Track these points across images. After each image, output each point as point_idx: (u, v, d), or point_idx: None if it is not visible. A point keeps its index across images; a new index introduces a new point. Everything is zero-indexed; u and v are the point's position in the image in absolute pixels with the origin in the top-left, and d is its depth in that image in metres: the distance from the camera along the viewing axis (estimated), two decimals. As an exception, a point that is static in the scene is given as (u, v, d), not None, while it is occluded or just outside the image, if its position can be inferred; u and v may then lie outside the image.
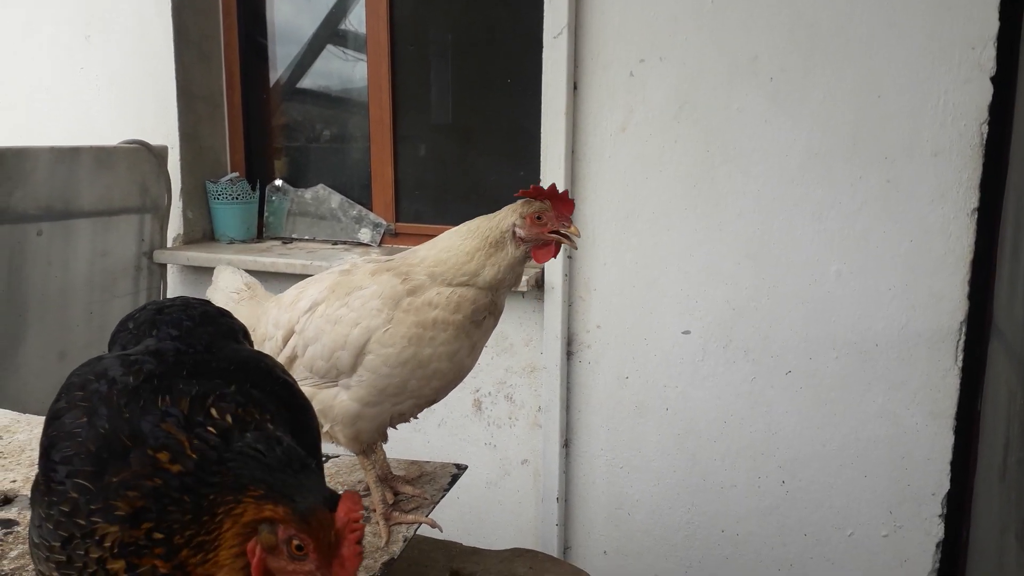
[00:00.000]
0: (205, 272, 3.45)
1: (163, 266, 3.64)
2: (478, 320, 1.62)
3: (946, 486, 2.69)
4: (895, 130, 2.59)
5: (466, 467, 1.93)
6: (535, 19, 2.93)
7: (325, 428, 1.70)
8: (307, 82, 3.89)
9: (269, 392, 1.17)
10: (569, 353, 3.02)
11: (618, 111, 2.86)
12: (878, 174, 2.62)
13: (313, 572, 0.91)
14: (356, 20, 3.65)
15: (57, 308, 3.23)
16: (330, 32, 3.78)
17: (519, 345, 3.08)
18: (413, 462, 1.96)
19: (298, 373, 1.73)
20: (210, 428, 1.01)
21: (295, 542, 0.90)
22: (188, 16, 3.61)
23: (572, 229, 1.61)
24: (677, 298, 2.87)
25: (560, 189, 1.65)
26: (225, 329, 1.27)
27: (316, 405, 1.69)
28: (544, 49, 2.86)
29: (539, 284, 2.97)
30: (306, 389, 1.70)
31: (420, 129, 3.58)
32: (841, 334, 2.73)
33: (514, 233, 1.60)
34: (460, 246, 1.62)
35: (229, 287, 2.01)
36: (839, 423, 2.77)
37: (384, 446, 1.88)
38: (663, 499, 3.00)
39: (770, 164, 2.73)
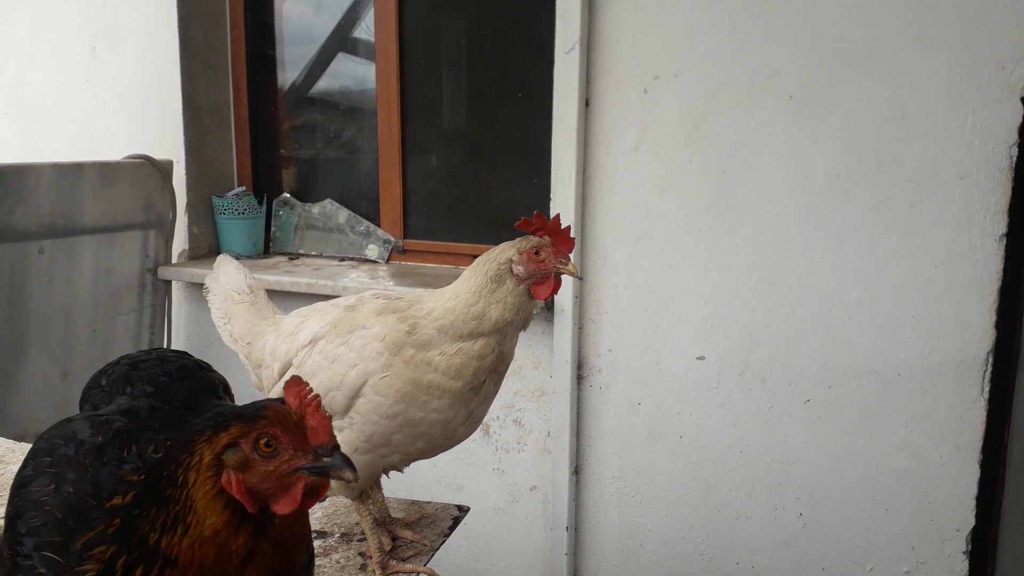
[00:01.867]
0: (210, 288, 3.39)
1: (168, 283, 3.58)
2: (477, 385, 1.53)
3: (971, 522, 2.58)
4: (920, 151, 2.48)
5: (468, 509, 1.85)
6: (547, 33, 2.84)
7: None
8: (316, 93, 3.82)
9: None
10: (579, 377, 2.94)
11: (631, 129, 2.77)
12: (902, 197, 2.52)
13: (292, 455, 0.90)
14: (367, 29, 3.58)
15: (60, 326, 3.18)
16: (340, 42, 3.71)
17: (528, 368, 3.00)
18: (413, 502, 1.88)
19: None
20: (156, 453, 1.01)
21: (262, 441, 0.89)
22: (194, 27, 3.56)
23: (570, 267, 1.54)
24: (691, 322, 2.77)
25: (563, 223, 1.57)
26: (204, 383, 1.20)
27: (309, 447, 1.62)
28: (555, 64, 2.78)
29: (549, 306, 2.89)
30: (299, 429, 1.63)
31: (430, 143, 3.50)
32: (862, 362, 2.62)
33: (511, 270, 1.52)
34: (465, 287, 1.54)
35: (231, 284, 1.94)
36: (859, 455, 2.66)
37: (384, 483, 1.80)
38: (676, 529, 2.90)
39: (789, 185, 2.63)
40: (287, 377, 1.66)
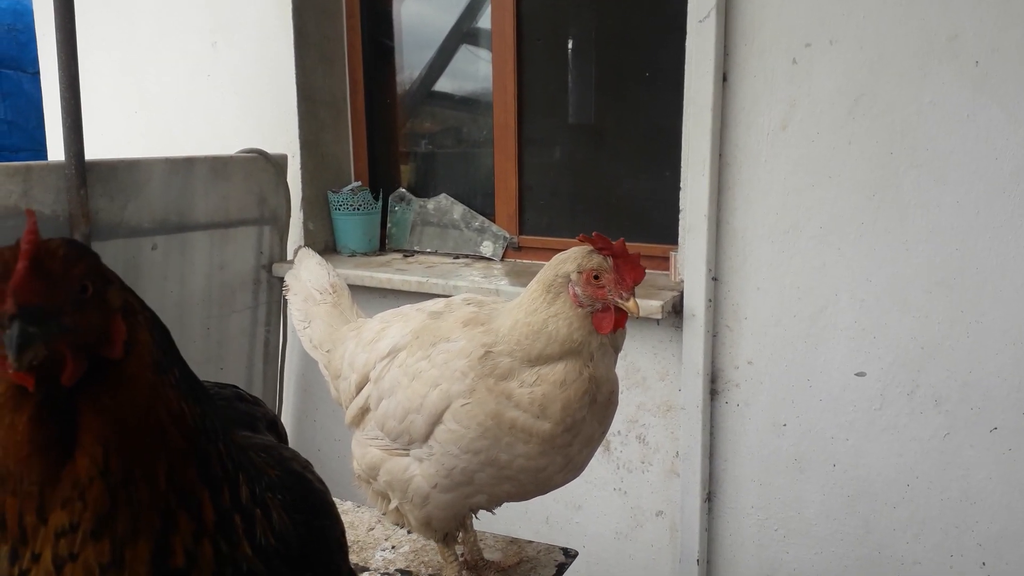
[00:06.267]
0: (323, 286, 3.26)
1: (283, 280, 3.49)
2: (573, 425, 1.24)
3: None
4: None
5: (576, 554, 1.57)
6: (678, 1, 2.51)
7: (393, 503, 1.39)
8: (435, 85, 3.64)
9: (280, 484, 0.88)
10: (713, 392, 2.59)
11: (777, 106, 2.39)
12: None
13: None
14: (488, 19, 3.35)
15: (174, 323, 3.09)
16: (461, 32, 3.51)
17: (653, 379, 2.68)
18: (512, 541, 1.62)
19: (368, 430, 1.43)
20: None
21: None
22: (309, 17, 3.44)
23: (631, 304, 1.23)
24: (850, 332, 2.37)
25: (623, 245, 1.27)
26: (241, 416, 0.99)
27: (383, 475, 1.38)
28: (688, 35, 2.44)
29: (677, 310, 2.55)
30: (374, 451, 1.40)
31: (548, 132, 3.23)
32: (1068, 384, 2.14)
33: (569, 288, 1.25)
34: (527, 297, 1.28)
35: (312, 282, 1.77)
36: (1063, 496, 2.18)
37: (475, 520, 1.55)
38: (827, 570, 2.50)
39: (973, 170, 2.18)
40: (359, 403, 1.44)
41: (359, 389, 1.46)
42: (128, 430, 0.67)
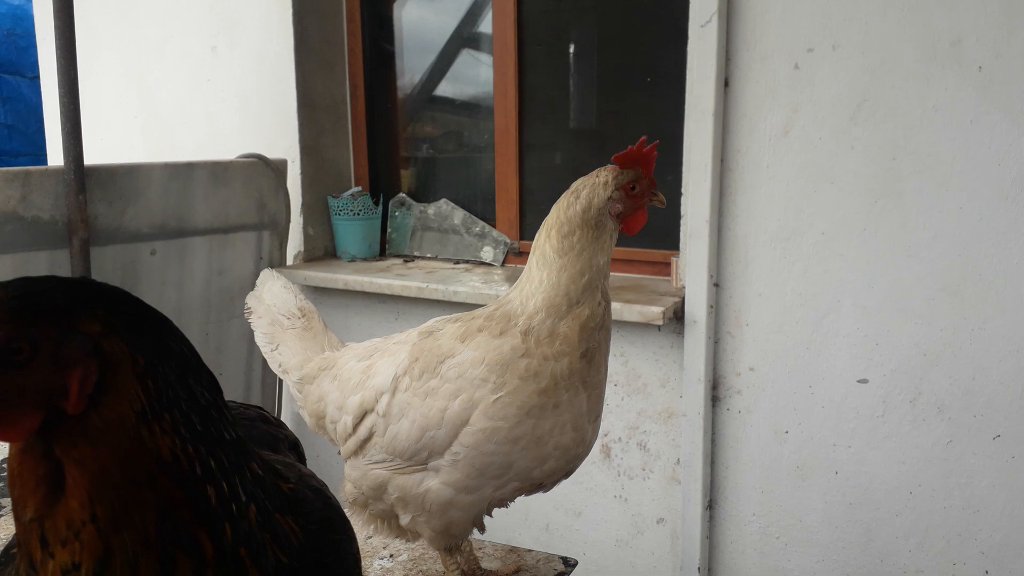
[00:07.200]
0: (326, 292, 3.26)
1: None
2: (589, 352, 1.31)
3: None
4: None
5: (575, 563, 1.55)
6: (680, 6, 2.50)
7: (403, 521, 1.37)
8: (435, 90, 3.63)
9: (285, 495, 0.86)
10: (715, 399, 2.57)
11: (779, 111, 2.38)
12: None
13: None
14: (489, 23, 3.34)
15: (172, 329, 3.11)
16: (462, 37, 3.50)
17: (654, 386, 2.66)
18: (512, 549, 1.60)
19: (371, 455, 1.41)
20: None
21: None
22: (310, 21, 3.44)
23: (659, 198, 1.38)
24: (852, 339, 2.35)
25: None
26: (263, 436, 0.98)
27: (394, 491, 1.36)
28: (689, 40, 2.43)
29: (678, 316, 2.54)
30: (378, 472, 1.38)
31: (549, 137, 3.22)
32: (1072, 391, 2.13)
33: (610, 210, 1.34)
34: (549, 257, 1.32)
35: (278, 306, 1.66)
36: (1068, 505, 2.17)
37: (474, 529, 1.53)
38: (829, 579, 2.49)
39: (976, 175, 2.17)
40: (362, 435, 1.42)
41: (356, 426, 1.42)
42: (109, 477, 0.66)
